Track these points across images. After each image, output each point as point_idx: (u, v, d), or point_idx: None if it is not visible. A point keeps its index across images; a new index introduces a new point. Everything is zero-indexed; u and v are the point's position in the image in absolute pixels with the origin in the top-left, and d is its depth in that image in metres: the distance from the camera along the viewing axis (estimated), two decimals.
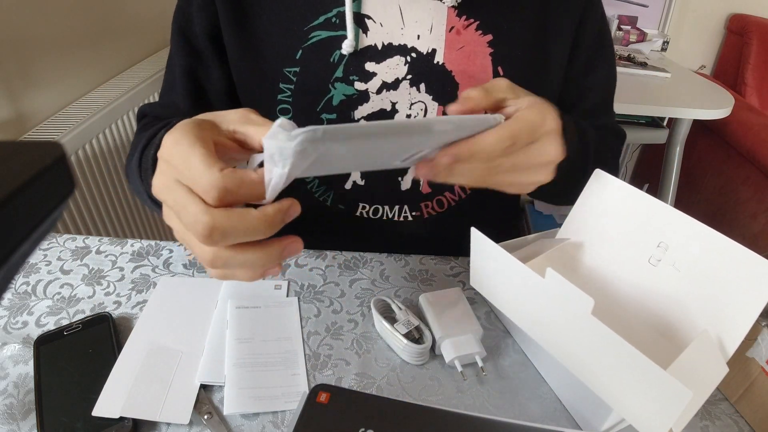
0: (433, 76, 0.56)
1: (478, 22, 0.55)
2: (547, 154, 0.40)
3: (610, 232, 0.47)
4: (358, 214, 0.62)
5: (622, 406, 0.36)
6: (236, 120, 0.34)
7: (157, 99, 1.32)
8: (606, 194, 0.47)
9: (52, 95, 1.09)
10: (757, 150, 1.56)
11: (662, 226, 0.43)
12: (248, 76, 0.58)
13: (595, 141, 0.54)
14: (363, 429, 0.36)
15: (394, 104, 0.57)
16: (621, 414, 0.37)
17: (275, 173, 0.29)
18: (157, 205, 0.47)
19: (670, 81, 1.57)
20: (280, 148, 0.28)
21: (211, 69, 0.59)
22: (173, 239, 0.93)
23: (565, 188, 0.51)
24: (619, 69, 1.59)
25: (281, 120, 0.29)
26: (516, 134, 0.38)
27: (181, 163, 0.30)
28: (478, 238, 0.44)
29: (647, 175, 2.19)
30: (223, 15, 0.55)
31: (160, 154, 0.32)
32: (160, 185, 0.32)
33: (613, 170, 0.52)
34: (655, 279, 0.43)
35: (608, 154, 0.62)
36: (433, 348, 0.47)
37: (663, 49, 1.89)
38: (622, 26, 1.90)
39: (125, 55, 1.33)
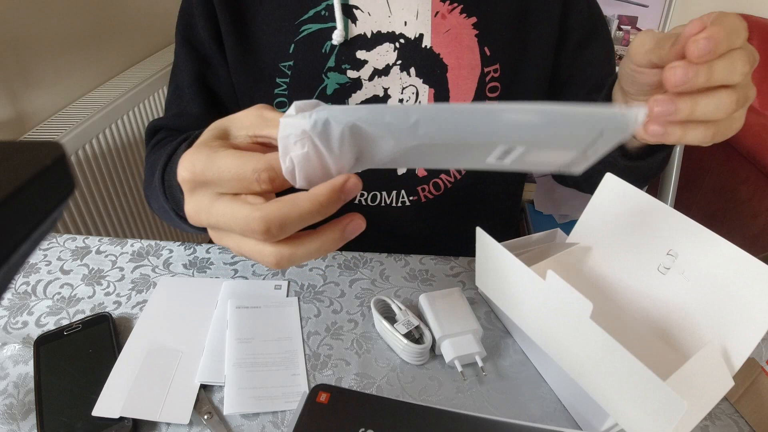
0: (422, 60, 0.58)
1: (461, 6, 0.57)
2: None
3: (620, 238, 0.46)
4: (356, 202, 0.63)
5: (619, 412, 0.36)
6: (253, 124, 0.31)
7: (157, 100, 1.34)
8: (618, 199, 0.46)
9: (52, 95, 1.09)
10: (757, 150, 1.56)
11: (673, 234, 0.42)
12: (247, 75, 0.59)
13: None
14: (363, 429, 0.36)
15: (386, 90, 0.59)
16: (618, 420, 0.37)
17: (296, 156, 0.26)
18: (185, 222, 0.46)
19: None
20: (295, 126, 0.25)
21: (219, 71, 0.60)
22: (173, 239, 0.93)
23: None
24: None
25: (297, 102, 0.26)
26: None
27: (212, 171, 0.28)
28: (483, 238, 0.44)
29: None
30: (222, 17, 0.57)
31: (182, 179, 0.30)
32: (196, 209, 0.30)
33: None
34: (663, 287, 0.43)
35: None
36: (433, 348, 0.47)
37: None
38: (622, 26, 1.90)
39: (125, 55, 1.33)
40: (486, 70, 0.58)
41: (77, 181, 1.08)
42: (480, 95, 0.59)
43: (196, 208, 0.30)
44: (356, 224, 0.30)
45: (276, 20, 0.57)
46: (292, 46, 0.56)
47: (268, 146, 0.31)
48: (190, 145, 0.40)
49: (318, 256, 0.30)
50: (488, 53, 0.57)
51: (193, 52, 0.60)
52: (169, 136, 0.60)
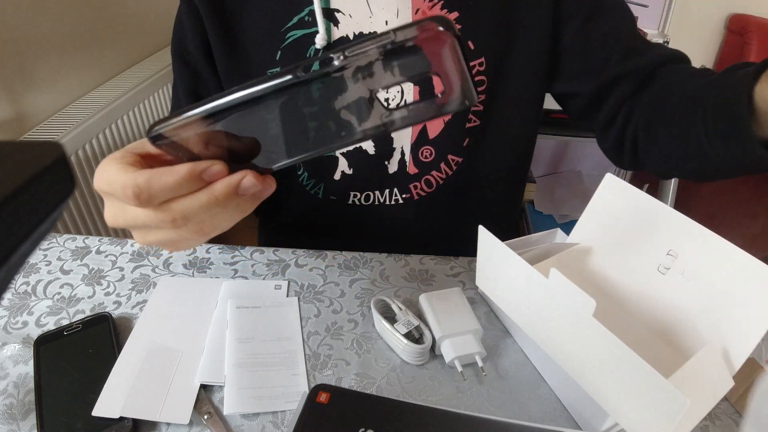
0: None
1: (442, 2, 0.56)
2: None
3: (621, 238, 0.46)
4: (350, 202, 0.64)
5: (620, 411, 0.36)
6: (138, 144, 0.35)
7: (157, 100, 1.34)
8: (618, 199, 0.46)
9: (52, 95, 1.09)
10: None
11: (673, 234, 0.42)
12: (237, 83, 0.59)
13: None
14: (363, 429, 0.36)
15: (371, 90, 0.58)
16: (617, 420, 0.37)
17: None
18: None
19: None
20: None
21: (209, 83, 0.61)
22: None
23: None
24: None
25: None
26: None
27: (104, 183, 0.32)
28: (485, 236, 0.44)
29: (647, 175, 2.19)
30: (210, 29, 0.57)
31: (97, 189, 0.34)
32: (111, 214, 0.34)
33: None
34: (663, 287, 0.43)
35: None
36: (433, 348, 0.47)
37: None
38: None
39: (125, 55, 1.33)
40: (471, 64, 0.58)
41: (77, 181, 1.08)
42: None
43: (111, 213, 0.34)
44: (249, 183, 0.31)
45: (262, 29, 0.57)
46: (279, 53, 0.57)
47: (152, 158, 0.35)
48: None
49: (229, 221, 0.34)
50: (472, 47, 0.57)
51: (185, 67, 0.61)
52: None
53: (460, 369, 0.45)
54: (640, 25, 2.02)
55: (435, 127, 0.61)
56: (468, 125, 0.60)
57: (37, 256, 0.57)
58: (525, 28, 0.59)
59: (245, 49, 0.58)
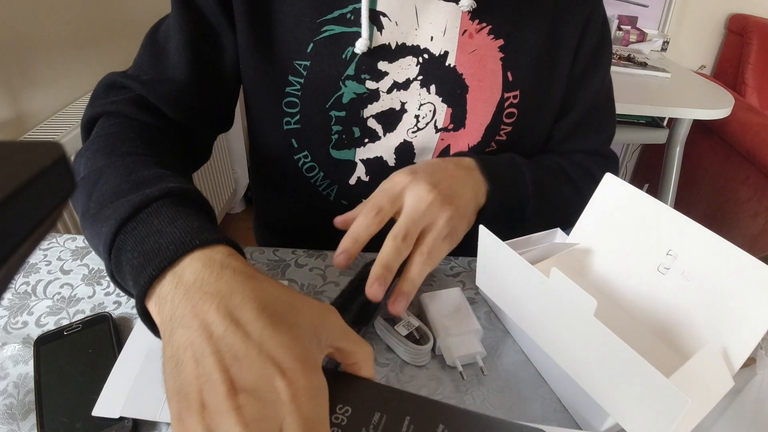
0: (444, 78, 0.56)
1: (490, 27, 0.55)
2: (418, 199, 0.45)
3: (620, 238, 0.46)
4: None
5: (620, 411, 0.36)
6: (337, 337, 0.33)
7: None
8: (618, 200, 0.46)
9: (52, 95, 1.09)
10: (757, 150, 1.56)
11: (673, 234, 0.42)
12: (256, 65, 0.56)
13: (535, 175, 0.56)
14: (341, 405, 0.35)
15: (403, 104, 0.57)
16: (618, 419, 0.37)
17: None
18: (120, 286, 0.41)
19: (670, 81, 1.57)
20: None
21: (222, 38, 0.55)
22: None
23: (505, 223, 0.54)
24: (619, 69, 1.59)
25: None
26: (377, 203, 0.44)
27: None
28: (486, 237, 0.44)
29: (647, 175, 2.20)
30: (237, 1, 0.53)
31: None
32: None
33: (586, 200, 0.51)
34: (663, 287, 0.43)
35: (565, 190, 0.60)
36: (433, 348, 0.47)
37: (663, 49, 1.89)
38: (622, 26, 1.90)
39: (125, 55, 1.33)
40: (506, 95, 0.57)
41: (77, 182, 1.08)
42: (497, 120, 0.57)
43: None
44: None
45: (296, 14, 0.53)
46: (311, 45, 0.54)
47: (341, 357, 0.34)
48: (182, 199, 0.40)
49: None
50: (510, 78, 0.56)
51: (194, 15, 0.53)
52: (132, 125, 0.52)
53: (460, 369, 0.45)
54: (639, 24, 2.02)
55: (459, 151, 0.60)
56: (488, 151, 0.60)
57: (37, 256, 0.57)
58: (559, 69, 0.58)
59: (273, 31, 0.54)
